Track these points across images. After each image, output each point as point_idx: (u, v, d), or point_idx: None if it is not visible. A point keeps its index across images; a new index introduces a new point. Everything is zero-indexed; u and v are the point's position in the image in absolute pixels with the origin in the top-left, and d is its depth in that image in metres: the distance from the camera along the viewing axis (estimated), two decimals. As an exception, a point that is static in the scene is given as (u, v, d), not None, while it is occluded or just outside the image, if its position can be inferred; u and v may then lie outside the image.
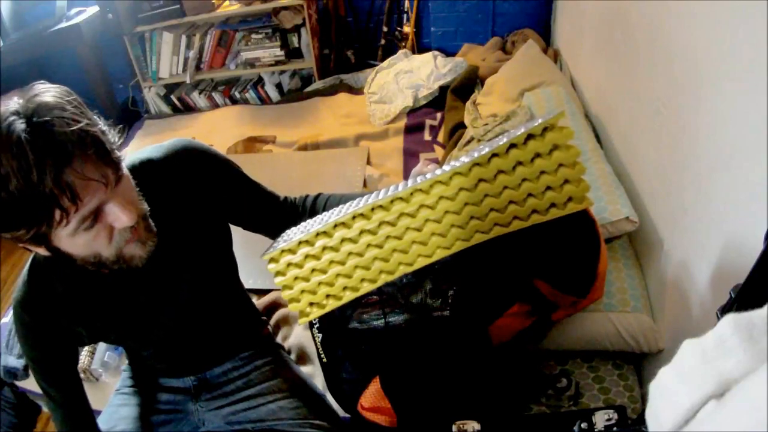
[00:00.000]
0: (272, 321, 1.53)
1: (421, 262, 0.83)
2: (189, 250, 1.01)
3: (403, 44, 2.90)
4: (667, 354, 1.21)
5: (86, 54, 2.77)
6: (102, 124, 0.79)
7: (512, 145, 0.78)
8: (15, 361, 1.52)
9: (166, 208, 0.94)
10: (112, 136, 0.80)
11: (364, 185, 2.04)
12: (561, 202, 0.79)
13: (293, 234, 0.91)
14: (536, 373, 1.26)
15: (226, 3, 2.89)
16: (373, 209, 0.84)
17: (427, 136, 2.27)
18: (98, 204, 0.77)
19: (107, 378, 1.51)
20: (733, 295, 0.71)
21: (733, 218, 0.93)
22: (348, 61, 3.05)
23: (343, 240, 0.85)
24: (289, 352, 1.40)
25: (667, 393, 0.41)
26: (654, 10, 1.29)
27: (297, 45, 2.91)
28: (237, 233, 1.13)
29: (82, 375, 1.16)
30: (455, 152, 1.93)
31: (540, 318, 1.14)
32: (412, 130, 2.32)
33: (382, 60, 2.85)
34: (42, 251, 0.81)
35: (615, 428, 0.96)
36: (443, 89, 2.45)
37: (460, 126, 2.14)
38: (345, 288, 0.87)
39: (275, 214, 1.11)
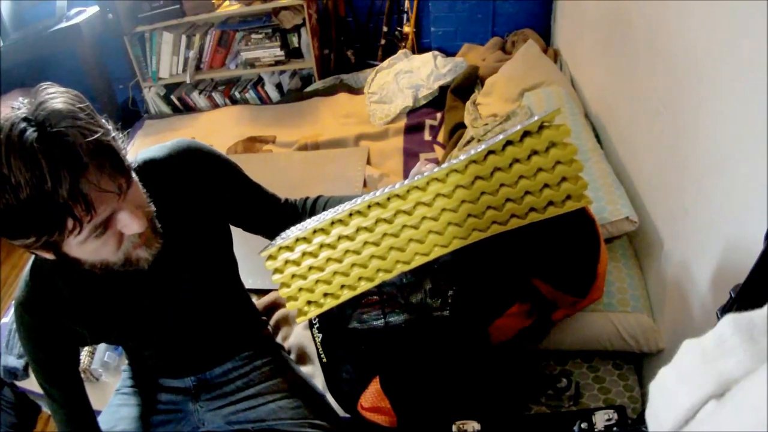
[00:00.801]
0: (272, 321, 1.53)
1: (419, 261, 0.83)
2: (190, 250, 1.01)
3: (403, 44, 2.90)
4: (667, 354, 1.21)
5: (86, 54, 2.77)
6: (112, 130, 0.79)
7: (508, 142, 0.78)
8: (15, 361, 1.52)
9: (168, 208, 0.94)
10: (122, 142, 0.80)
11: (364, 185, 2.04)
12: (559, 200, 0.78)
13: (291, 232, 0.91)
14: (536, 373, 1.26)
15: (226, 3, 2.89)
16: (369, 206, 0.84)
17: (427, 136, 2.27)
18: (111, 212, 0.77)
19: (107, 378, 1.51)
20: (733, 295, 0.71)
21: (733, 218, 0.93)
22: (348, 61, 3.05)
23: (340, 237, 0.85)
24: (289, 352, 1.40)
25: (667, 393, 0.41)
26: (654, 10, 1.29)
27: (297, 45, 2.91)
28: (237, 233, 1.13)
29: (82, 375, 1.16)
30: (455, 152, 1.93)
31: (540, 318, 1.14)
32: (412, 130, 2.32)
33: (382, 60, 2.85)
34: (49, 256, 0.80)
35: (615, 428, 0.96)
36: (443, 89, 2.45)
37: (460, 126, 2.14)
38: (343, 286, 0.87)
39: (276, 216, 1.11)
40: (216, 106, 3.03)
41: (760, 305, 0.39)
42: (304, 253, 0.87)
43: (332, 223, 0.85)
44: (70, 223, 0.72)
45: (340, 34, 3.01)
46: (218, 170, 1.03)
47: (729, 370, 0.37)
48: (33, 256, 0.94)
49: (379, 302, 1.10)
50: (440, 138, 2.23)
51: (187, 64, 2.94)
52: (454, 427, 1.03)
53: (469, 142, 1.88)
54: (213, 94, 3.01)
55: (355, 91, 2.71)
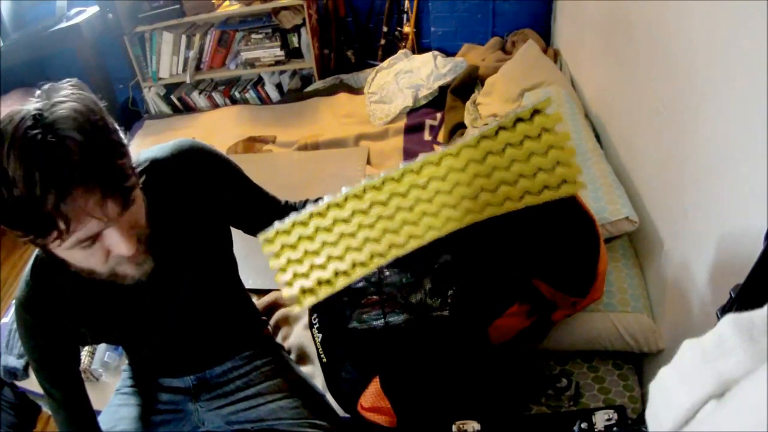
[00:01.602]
0: (272, 321, 1.53)
1: (413, 244, 0.84)
2: (190, 250, 1.01)
3: (403, 44, 2.90)
4: (667, 354, 1.21)
5: (86, 54, 2.76)
6: (124, 142, 0.77)
7: (502, 128, 0.81)
8: (15, 361, 1.52)
9: (169, 208, 0.94)
10: (130, 160, 0.78)
11: (364, 185, 2.04)
12: (554, 184, 0.82)
13: (289, 218, 0.90)
14: (536, 373, 1.26)
15: (226, 3, 2.89)
16: (365, 190, 0.85)
17: (427, 136, 2.27)
18: (98, 230, 0.76)
19: (107, 378, 1.51)
20: (733, 295, 0.71)
21: (733, 218, 0.93)
22: (348, 61, 3.05)
23: (335, 221, 0.85)
24: (289, 352, 1.40)
25: (667, 393, 0.41)
26: (654, 10, 1.29)
27: (297, 45, 2.91)
28: (237, 233, 1.13)
29: (82, 375, 1.16)
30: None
31: (540, 318, 1.14)
32: (412, 130, 2.32)
33: (382, 60, 2.85)
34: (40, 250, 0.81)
35: (615, 428, 0.96)
36: (443, 89, 2.45)
37: (460, 126, 2.14)
38: (337, 273, 0.86)
39: (275, 218, 1.10)
40: (216, 106, 3.03)
41: (760, 305, 0.39)
42: (300, 237, 0.87)
43: (328, 207, 0.86)
44: (53, 233, 0.72)
45: (340, 34, 3.01)
46: (220, 171, 1.02)
47: (729, 370, 0.37)
48: (34, 256, 0.94)
49: (379, 302, 1.10)
50: (440, 138, 2.23)
51: (187, 64, 2.94)
52: (454, 427, 1.03)
53: (469, 142, 1.88)
54: (213, 94, 3.01)
55: (355, 91, 2.71)
